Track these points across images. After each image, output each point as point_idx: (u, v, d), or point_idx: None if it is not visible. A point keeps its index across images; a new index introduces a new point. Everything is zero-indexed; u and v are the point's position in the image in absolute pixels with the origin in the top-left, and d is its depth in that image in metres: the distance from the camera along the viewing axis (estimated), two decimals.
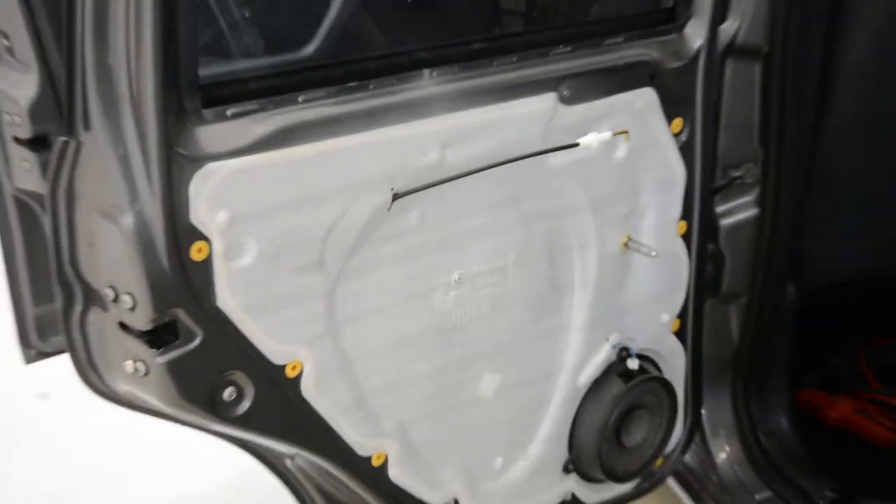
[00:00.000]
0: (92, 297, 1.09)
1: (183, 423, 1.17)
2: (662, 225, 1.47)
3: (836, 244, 1.84)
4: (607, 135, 1.33)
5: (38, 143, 1.63)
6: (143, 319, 1.03)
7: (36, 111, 1.59)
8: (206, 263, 1.05)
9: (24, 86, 1.62)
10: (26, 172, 1.68)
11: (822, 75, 1.66)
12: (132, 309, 1.03)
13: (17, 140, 1.67)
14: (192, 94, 1.01)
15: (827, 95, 1.68)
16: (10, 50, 1.64)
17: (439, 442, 1.36)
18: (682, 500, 1.86)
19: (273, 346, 1.13)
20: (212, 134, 1.03)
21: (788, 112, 1.61)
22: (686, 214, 1.49)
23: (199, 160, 1.02)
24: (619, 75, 1.34)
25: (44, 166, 1.69)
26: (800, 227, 1.73)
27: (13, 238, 1.84)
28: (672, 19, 1.41)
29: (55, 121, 1.61)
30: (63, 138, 1.02)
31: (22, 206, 1.81)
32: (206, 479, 2.33)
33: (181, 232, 1.02)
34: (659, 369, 1.55)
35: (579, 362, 1.46)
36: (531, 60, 1.28)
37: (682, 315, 1.56)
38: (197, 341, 1.07)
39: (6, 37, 1.63)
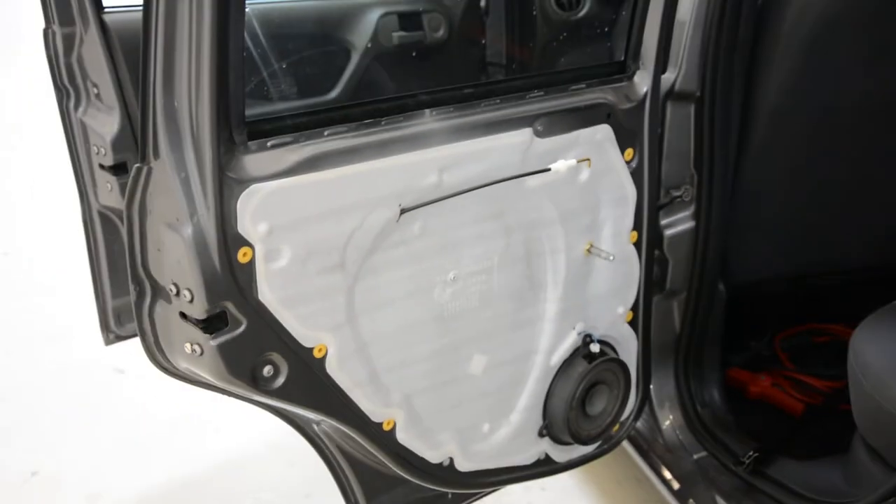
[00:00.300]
0: (158, 292, 1.09)
1: (230, 394, 1.17)
2: (618, 234, 1.46)
3: (757, 250, 1.84)
4: (573, 162, 1.33)
5: (118, 169, 1.64)
6: (199, 310, 1.03)
7: (117, 144, 1.61)
8: (250, 265, 1.05)
9: (109, 124, 1.63)
10: (109, 192, 1.70)
11: (743, 115, 1.67)
12: (190, 301, 1.04)
13: (102, 166, 1.68)
14: (240, 129, 1.02)
15: (747, 131, 1.68)
16: (98, 96, 1.65)
17: (437, 410, 1.35)
18: (635, 459, 1.85)
19: (303, 332, 1.13)
20: (255, 161, 1.04)
21: (717, 144, 1.62)
22: (637, 226, 1.49)
23: (244, 182, 1.02)
24: (582, 114, 1.34)
25: (122, 187, 1.70)
26: (727, 236, 1.73)
27: (98, 244, 1.85)
28: (624, 70, 1.42)
29: (132, 151, 1.63)
30: (138, 165, 1.03)
31: (105, 219, 1.82)
32: (246, 441, 2.32)
33: (230, 240, 1.02)
34: (616, 352, 1.55)
35: (551, 346, 1.46)
36: (511, 102, 1.28)
37: (634, 308, 1.55)
38: (242, 328, 1.07)
39: (95, 86, 1.64)
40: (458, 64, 1.82)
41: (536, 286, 1.41)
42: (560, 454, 1.56)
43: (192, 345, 1.07)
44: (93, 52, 1.60)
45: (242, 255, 1.04)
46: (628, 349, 1.58)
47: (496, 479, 1.48)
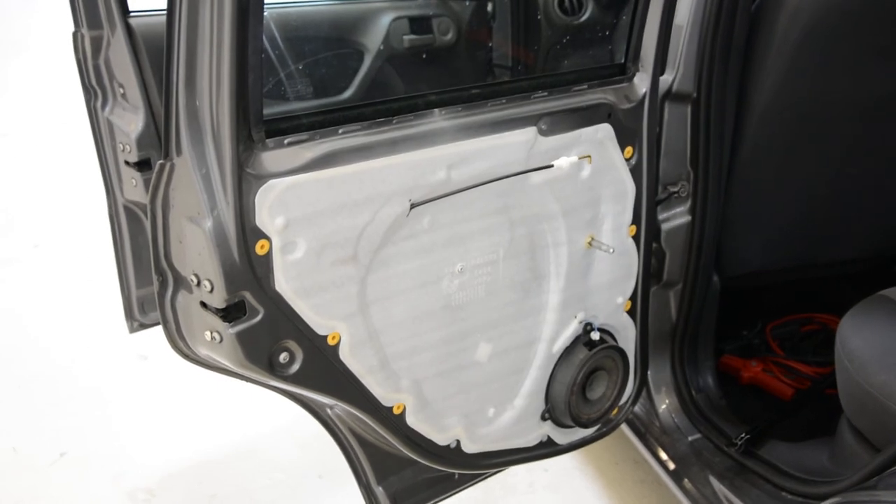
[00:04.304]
0: (180, 282, 1.09)
1: (248, 380, 1.17)
2: (617, 228, 1.45)
3: (749, 243, 1.83)
4: (575, 159, 1.32)
5: (142, 165, 1.65)
6: (218, 299, 1.03)
7: (141, 141, 1.61)
8: (267, 257, 1.05)
9: (134, 122, 1.63)
10: (133, 188, 1.70)
11: (736, 115, 1.66)
12: (211, 291, 1.03)
13: (127, 163, 1.68)
14: (258, 127, 1.01)
15: (740, 130, 1.67)
16: (124, 96, 1.65)
17: (445, 396, 1.35)
18: (632, 442, 1.85)
19: (318, 320, 1.12)
20: (273, 158, 1.03)
21: (711, 142, 1.61)
22: (635, 220, 1.47)
23: (262, 178, 1.02)
24: (584, 114, 1.33)
25: (146, 183, 1.70)
26: (721, 229, 1.72)
27: (123, 237, 1.85)
28: (624, 72, 1.41)
29: (155, 148, 1.63)
30: (161, 161, 1.02)
31: (129, 213, 1.82)
32: (261, 424, 2.32)
33: (248, 232, 1.02)
34: (615, 340, 1.54)
35: (554, 334, 1.45)
36: (516, 102, 1.27)
37: (632, 298, 1.54)
38: (259, 317, 1.06)
39: (122, 86, 1.64)
40: (465, 66, 1.82)
41: (540, 277, 1.40)
42: (561, 437, 1.55)
43: (211, 332, 1.07)
44: (119, 54, 1.60)
45: (260, 248, 1.03)
46: (627, 337, 1.57)
47: (501, 460, 1.48)
